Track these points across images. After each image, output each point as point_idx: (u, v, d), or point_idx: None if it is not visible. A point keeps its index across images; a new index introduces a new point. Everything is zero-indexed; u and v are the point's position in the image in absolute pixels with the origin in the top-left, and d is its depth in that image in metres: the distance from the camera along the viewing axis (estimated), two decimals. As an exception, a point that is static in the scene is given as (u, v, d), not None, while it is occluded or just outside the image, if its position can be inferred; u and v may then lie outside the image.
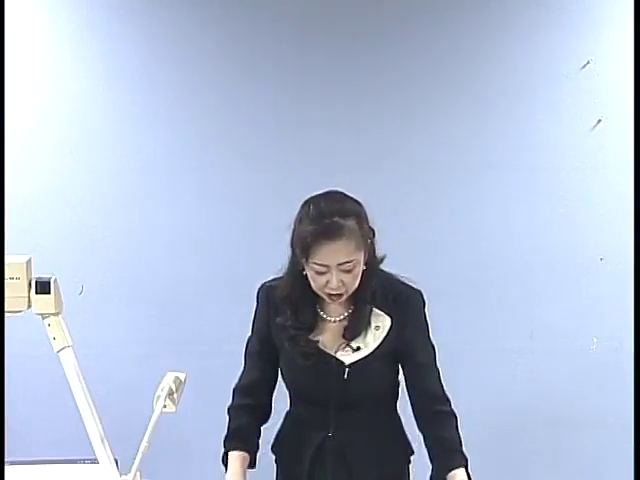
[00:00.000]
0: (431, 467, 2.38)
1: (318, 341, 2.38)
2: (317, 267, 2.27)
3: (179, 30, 3.56)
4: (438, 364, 2.42)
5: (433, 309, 2.44)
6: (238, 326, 3.45)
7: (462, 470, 2.31)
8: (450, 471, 2.31)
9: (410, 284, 2.42)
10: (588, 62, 3.58)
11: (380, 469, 2.43)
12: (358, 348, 2.37)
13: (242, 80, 3.58)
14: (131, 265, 3.61)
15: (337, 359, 2.37)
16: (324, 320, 2.41)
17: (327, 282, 2.28)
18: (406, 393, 2.44)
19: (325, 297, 2.33)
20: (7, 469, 2.47)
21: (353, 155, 3.60)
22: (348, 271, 2.27)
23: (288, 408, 2.54)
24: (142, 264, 3.61)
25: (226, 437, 2.45)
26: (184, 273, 3.63)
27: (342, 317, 2.40)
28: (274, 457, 2.55)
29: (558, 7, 3.57)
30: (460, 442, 2.36)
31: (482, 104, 3.60)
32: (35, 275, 2.50)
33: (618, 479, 3.54)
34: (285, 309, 2.39)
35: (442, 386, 2.41)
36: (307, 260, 2.27)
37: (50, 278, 2.49)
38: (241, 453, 2.40)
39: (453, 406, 2.40)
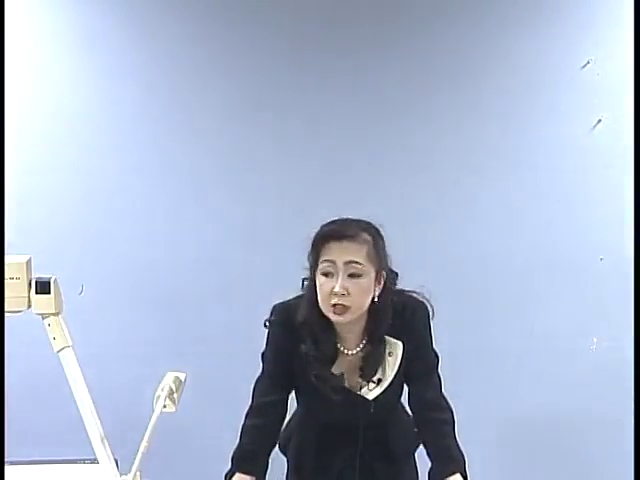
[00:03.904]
0: (429, 471, 2.41)
1: (342, 375, 2.40)
2: (324, 266, 2.26)
3: (178, 30, 3.55)
4: (440, 372, 2.45)
5: (434, 310, 2.44)
6: (238, 326, 3.46)
7: (457, 476, 2.34)
8: (444, 478, 2.34)
9: (415, 296, 2.42)
10: (588, 62, 3.58)
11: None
12: (379, 380, 2.40)
13: (242, 80, 3.58)
14: (131, 265, 3.61)
15: (362, 397, 2.40)
16: (342, 353, 2.41)
17: (332, 289, 2.26)
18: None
19: (330, 313, 2.30)
20: (7, 469, 2.47)
21: (353, 154, 3.59)
22: (355, 276, 2.26)
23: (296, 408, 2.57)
24: (142, 264, 3.61)
25: (236, 456, 2.41)
26: (184, 273, 3.62)
27: (358, 349, 2.41)
28: (284, 456, 2.59)
29: (558, 7, 3.57)
30: (456, 448, 2.38)
31: (482, 104, 3.60)
32: (35, 275, 2.50)
33: (618, 479, 3.54)
34: (305, 336, 2.37)
35: (440, 393, 2.43)
36: (317, 263, 2.28)
37: (50, 278, 2.49)
38: (251, 478, 2.39)
39: (450, 411, 2.42)
